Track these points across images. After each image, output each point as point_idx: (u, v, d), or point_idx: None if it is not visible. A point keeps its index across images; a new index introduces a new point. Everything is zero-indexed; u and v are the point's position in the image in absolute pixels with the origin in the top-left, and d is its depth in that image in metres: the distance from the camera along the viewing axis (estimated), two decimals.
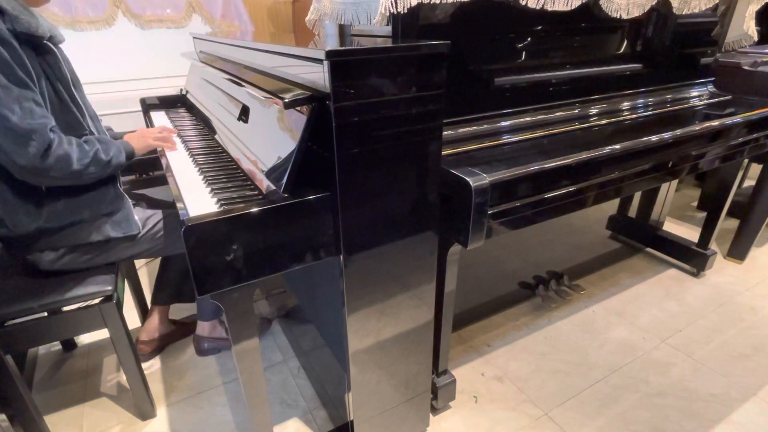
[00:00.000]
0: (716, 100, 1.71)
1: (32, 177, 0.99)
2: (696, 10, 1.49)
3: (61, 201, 1.10)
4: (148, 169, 1.92)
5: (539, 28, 1.24)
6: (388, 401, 1.16)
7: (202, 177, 1.08)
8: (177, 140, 1.38)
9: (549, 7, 1.16)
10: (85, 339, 1.71)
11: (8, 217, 1.07)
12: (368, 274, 0.95)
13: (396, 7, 0.96)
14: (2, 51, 0.90)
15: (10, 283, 1.17)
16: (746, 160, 1.85)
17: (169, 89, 2.21)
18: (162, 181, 1.95)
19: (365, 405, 1.12)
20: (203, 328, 1.57)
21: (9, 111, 0.91)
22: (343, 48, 0.76)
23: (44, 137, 0.94)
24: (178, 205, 0.90)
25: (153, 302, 1.60)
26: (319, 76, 0.78)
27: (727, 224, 2.33)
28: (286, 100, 0.81)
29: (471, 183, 0.94)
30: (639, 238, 2.20)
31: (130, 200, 1.22)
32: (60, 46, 1.12)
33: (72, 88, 1.10)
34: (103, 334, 1.51)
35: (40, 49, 1.02)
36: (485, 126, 1.22)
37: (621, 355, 1.59)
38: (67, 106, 1.08)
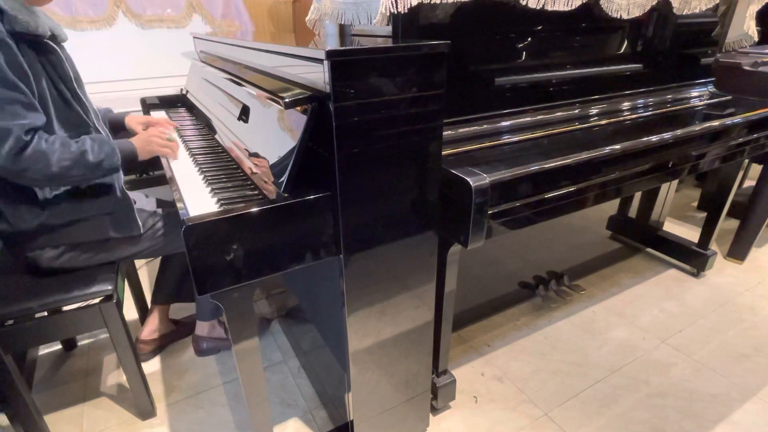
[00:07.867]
0: (716, 100, 1.71)
1: (9, 176, 0.97)
2: (696, 10, 1.49)
3: (64, 198, 1.09)
4: (148, 168, 1.93)
5: (539, 28, 1.24)
6: (388, 401, 1.16)
7: (202, 177, 1.08)
8: (177, 139, 1.37)
9: (549, 7, 1.16)
10: (85, 339, 1.71)
11: (10, 211, 1.06)
12: (368, 274, 0.95)
13: (396, 7, 0.96)
14: None
15: (10, 282, 1.17)
16: (746, 161, 1.85)
17: (170, 89, 2.21)
18: (162, 180, 1.95)
19: (365, 405, 1.12)
20: (202, 328, 1.57)
21: None
22: (344, 48, 0.76)
23: (18, 139, 0.91)
24: (178, 204, 0.90)
25: (153, 302, 1.60)
26: (319, 76, 0.78)
27: (727, 224, 2.33)
28: (287, 100, 0.81)
29: (471, 183, 0.94)
30: (639, 239, 2.19)
31: (132, 201, 1.22)
32: (63, 44, 1.11)
33: (75, 86, 1.09)
34: (103, 333, 1.51)
35: (40, 47, 1.01)
36: (485, 126, 1.22)
37: (621, 355, 1.59)
38: (71, 104, 1.07)
